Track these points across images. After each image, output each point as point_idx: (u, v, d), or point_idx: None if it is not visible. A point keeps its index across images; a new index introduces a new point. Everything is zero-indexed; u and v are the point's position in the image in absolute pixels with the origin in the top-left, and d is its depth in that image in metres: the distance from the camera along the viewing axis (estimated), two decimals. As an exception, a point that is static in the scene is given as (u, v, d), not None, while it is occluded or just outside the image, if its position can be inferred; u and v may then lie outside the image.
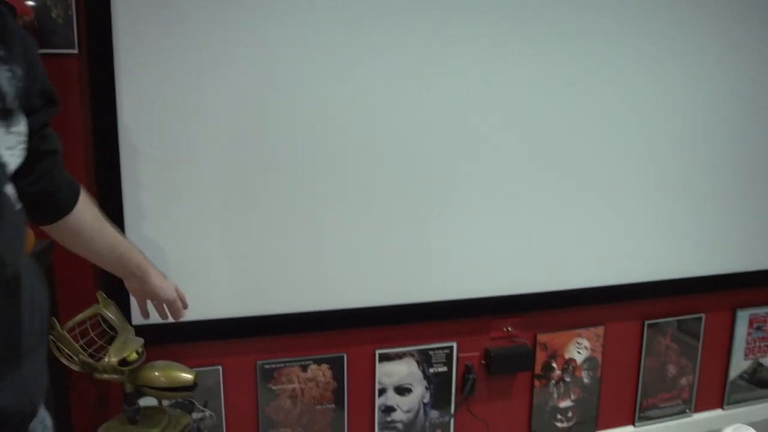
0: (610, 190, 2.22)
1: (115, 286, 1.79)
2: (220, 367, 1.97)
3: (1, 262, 0.77)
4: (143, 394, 1.69)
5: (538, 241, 2.17)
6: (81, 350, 1.57)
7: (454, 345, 2.19)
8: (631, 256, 2.32)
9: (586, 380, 2.40)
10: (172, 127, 1.78)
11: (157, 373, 1.64)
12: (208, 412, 1.98)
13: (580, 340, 2.37)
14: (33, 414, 0.81)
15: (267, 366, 2.00)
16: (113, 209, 1.75)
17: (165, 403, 1.88)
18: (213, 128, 1.81)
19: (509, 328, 2.25)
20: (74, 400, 1.87)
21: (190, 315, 1.88)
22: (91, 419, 1.90)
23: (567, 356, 2.36)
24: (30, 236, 1.53)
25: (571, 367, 2.37)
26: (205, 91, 1.78)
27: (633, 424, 2.52)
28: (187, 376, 1.64)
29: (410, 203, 2.00)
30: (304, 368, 2.04)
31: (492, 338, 2.25)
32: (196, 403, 1.94)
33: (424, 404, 2.19)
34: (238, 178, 1.84)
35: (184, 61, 1.75)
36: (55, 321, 1.57)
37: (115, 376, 1.61)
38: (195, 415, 1.96)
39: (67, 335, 1.56)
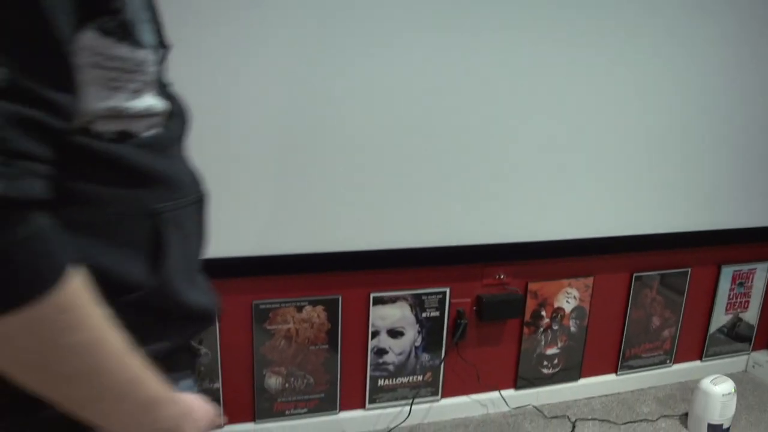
0: (603, 145, 2.22)
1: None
2: (216, 306, 1.98)
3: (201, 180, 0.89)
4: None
5: (533, 191, 2.17)
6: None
7: (447, 290, 2.21)
8: (622, 210, 2.34)
9: (573, 329, 2.46)
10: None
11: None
12: (203, 350, 2.01)
13: (569, 289, 2.41)
14: (219, 315, 0.92)
15: (262, 306, 2.02)
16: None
17: (161, 339, 1.89)
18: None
19: (501, 276, 2.28)
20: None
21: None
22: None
23: (556, 305, 2.40)
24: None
25: (559, 316, 2.42)
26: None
27: (615, 372, 2.59)
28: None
29: (409, 150, 1.98)
30: (299, 309, 2.06)
31: (484, 285, 2.28)
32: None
33: (416, 347, 2.24)
34: (248, 119, 1.81)
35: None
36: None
37: (113, 312, 1.61)
38: (190, 352, 1.98)
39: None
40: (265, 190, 1.89)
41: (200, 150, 1.85)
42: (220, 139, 1.81)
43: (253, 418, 2.14)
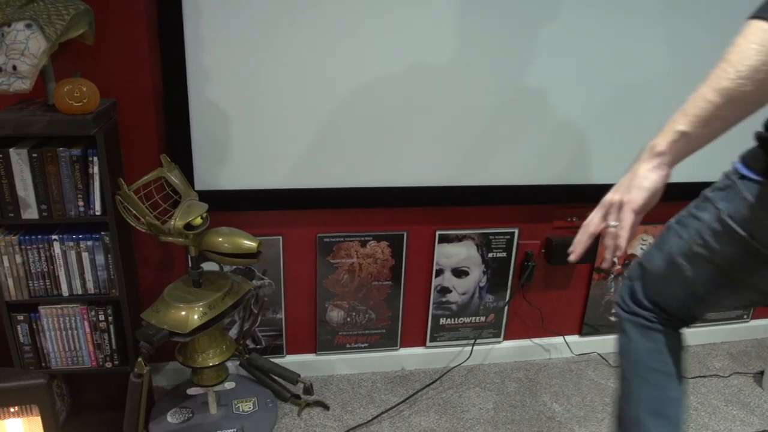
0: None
1: (180, 150, 1.76)
2: (281, 238, 1.96)
3: None
4: (206, 259, 1.70)
5: (614, 134, 2.03)
6: (148, 212, 1.56)
7: (516, 231, 2.13)
8: (709, 154, 2.16)
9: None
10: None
11: (221, 239, 1.63)
12: (267, 280, 2.00)
13: (644, 236, 2.28)
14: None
15: (327, 239, 1.99)
16: (176, 72, 1.67)
17: (227, 268, 1.90)
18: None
19: (573, 219, 2.18)
20: (139, 261, 1.90)
21: (253, 183, 1.85)
22: (155, 279, 1.93)
23: (629, 251, 2.29)
24: (94, 92, 1.47)
25: (631, 263, 2.30)
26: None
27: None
28: (251, 243, 1.63)
29: (483, 87, 1.86)
30: (363, 244, 2.02)
31: (555, 227, 2.18)
32: (256, 271, 1.95)
33: (480, 288, 2.18)
34: (310, 53, 1.73)
35: None
36: (122, 181, 1.55)
37: (180, 240, 1.61)
38: (254, 283, 1.98)
39: (134, 196, 1.55)
40: (332, 123, 1.82)
41: (267, 71, 1.81)
42: (289, 70, 1.74)
43: (314, 349, 2.15)
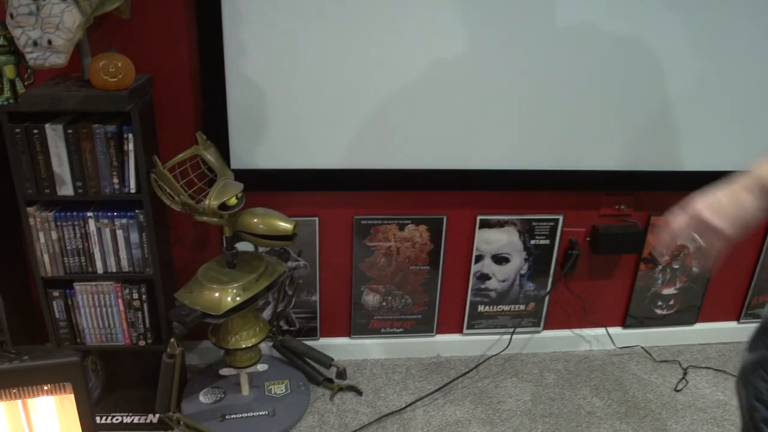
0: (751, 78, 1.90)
1: (216, 128, 1.72)
2: (317, 219, 1.91)
3: None
4: (241, 239, 1.66)
5: (668, 117, 1.91)
6: (182, 190, 1.52)
7: (560, 218, 2.04)
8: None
9: (695, 269, 2.23)
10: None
11: (256, 220, 1.60)
12: (302, 262, 1.97)
13: (697, 226, 2.16)
14: None
15: (364, 221, 1.93)
16: (213, 47, 1.62)
17: (262, 250, 1.87)
18: None
19: (622, 206, 2.07)
20: (174, 240, 1.88)
21: (290, 163, 1.81)
22: (190, 258, 1.92)
23: (680, 242, 2.17)
24: (129, 68, 1.43)
25: (681, 255, 2.20)
26: None
27: (737, 320, 2.36)
28: (286, 225, 1.59)
29: (529, 68, 1.77)
30: (402, 227, 1.96)
31: (601, 215, 2.08)
32: (291, 252, 1.91)
33: (521, 275, 2.10)
34: (353, 28, 1.66)
35: None
36: (157, 159, 1.52)
37: (214, 219, 1.58)
38: (289, 264, 1.94)
39: (168, 174, 1.51)
40: (373, 103, 1.75)
41: (306, 52, 1.75)
42: (327, 50, 1.68)
43: (348, 333, 2.11)
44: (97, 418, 1.78)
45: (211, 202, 1.52)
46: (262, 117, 1.74)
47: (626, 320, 2.27)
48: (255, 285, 1.64)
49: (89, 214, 1.56)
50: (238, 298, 1.59)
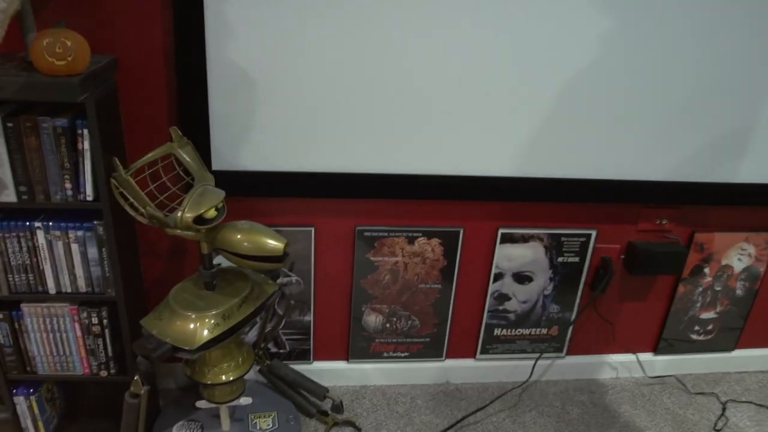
0: None
1: (194, 122, 1.44)
2: (313, 229, 1.64)
3: None
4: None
5: (717, 122, 1.63)
6: (148, 201, 1.25)
7: (593, 233, 1.78)
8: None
9: (739, 292, 1.97)
10: None
11: (239, 236, 1.32)
12: (294, 278, 1.70)
13: (745, 245, 1.90)
14: None
15: (367, 233, 1.67)
16: (192, 24, 1.34)
17: (247, 265, 1.59)
18: None
19: (663, 221, 1.81)
20: (144, 250, 1.61)
21: (282, 166, 1.53)
22: (163, 273, 1.65)
23: (724, 262, 1.91)
24: (82, 48, 1.15)
25: (725, 275, 1.94)
26: None
27: (781, 345, 2.12)
28: (276, 243, 1.32)
29: (558, 65, 1.49)
30: (411, 240, 1.69)
31: (639, 230, 1.81)
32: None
33: (545, 296, 1.85)
34: (356, 10, 1.38)
35: None
36: (117, 162, 1.24)
37: (189, 233, 1.30)
38: (280, 280, 1.68)
39: (131, 181, 1.24)
40: (379, 95, 1.48)
41: (301, 39, 1.47)
42: (326, 39, 1.39)
43: (346, 356, 1.86)
44: (51, 457, 1.53)
45: (185, 214, 1.25)
46: (251, 109, 1.46)
47: (658, 345, 2.01)
48: (237, 312, 1.38)
49: (37, 224, 1.29)
50: (216, 330, 1.32)
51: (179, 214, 1.25)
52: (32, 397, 1.49)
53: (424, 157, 1.57)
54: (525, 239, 1.75)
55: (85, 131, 1.21)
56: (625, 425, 1.81)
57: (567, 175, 1.66)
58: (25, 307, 1.38)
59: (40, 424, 1.54)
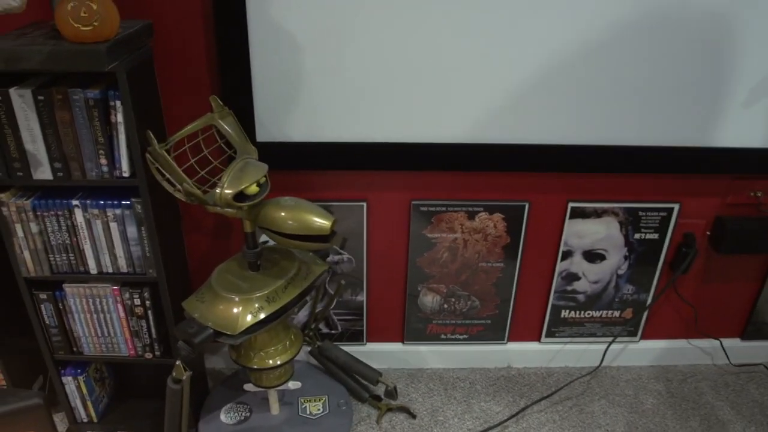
0: None
1: (236, 90, 1.34)
2: (365, 204, 1.53)
3: None
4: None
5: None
6: (185, 177, 1.16)
7: (675, 207, 1.59)
8: None
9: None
10: None
11: (283, 214, 1.22)
12: (346, 255, 1.60)
13: None
14: None
15: (423, 208, 1.54)
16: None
17: (295, 243, 1.49)
18: None
19: (758, 194, 1.60)
20: (188, 228, 1.54)
21: (330, 136, 1.42)
22: (209, 252, 1.58)
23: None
24: (109, 11, 1.05)
25: (828, 252, 1.72)
26: None
27: None
28: (322, 222, 1.21)
29: (636, 19, 1.30)
30: (471, 216, 1.56)
31: (729, 204, 1.61)
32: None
33: (618, 276, 1.68)
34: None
35: None
36: (151, 135, 1.15)
37: (230, 211, 1.21)
38: (331, 258, 1.59)
39: (167, 155, 1.15)
40: (437, 59, 1.33)
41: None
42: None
43: (401, 338, 1.76)
44: (101, 438, 1.51)
45: (224, 191, 1.16)
46: (297, 76, 1.34)
47: (746, 330, 1.82)
48: (283, 294, 1.29)
49: (75, 202, 1.23)
50: (260, 314, 1.24)
51: (218, 190, 1.16)
52: (80, 378, 1.46)
53: (487, 123, 1.42)
54: (598, 214, 1.58)
55: (118, 103, 1.13)
56: (706, 418, 1.65)
57: (647, 142, 1.48)
58: (68, 288, 1.33)
59: (89, 404, 1.51)
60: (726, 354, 1.83)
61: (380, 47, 1.31)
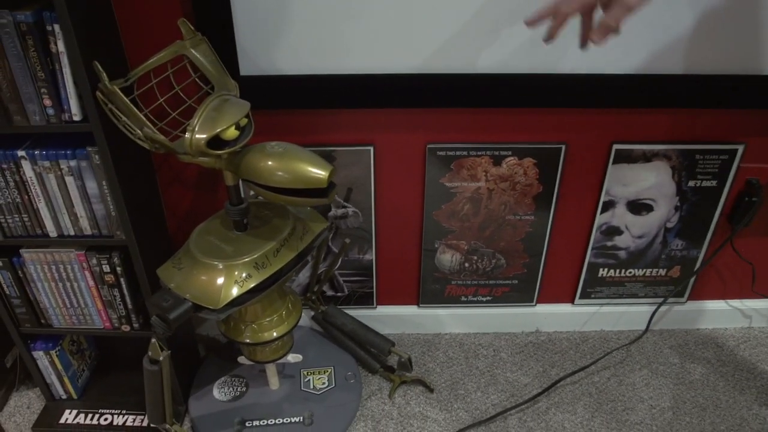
0: None
1: (212, 11, 1.11)
2: (372, 148, 1.31)
3: None
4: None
5: None
6: (145, 121, 0.94)
7: (739, 149, 1.35)
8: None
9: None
10: None
11: (270, 163, 1.00)
12: (351, 209, 1.39)
13: None
14: None
15: (441, 152, 1.32)
16: None
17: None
18: None
19: (838, 131, 1.35)
20: (164, 181, 1.33)
21: (330, 66, 1.18)
22: (190, 206, 1.37)
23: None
24: None
25: None
26: None
27: None
28: (317, 172, 0.99)
29: None
30: (497, 161, 1.33)
31: (803, 143, 1.37)
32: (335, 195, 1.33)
33: (666, 230, 1.46)
34: None
35: None
36: (99, 67, 0.93)
37: (204, 160, 1.00)
38: (333, 212, 1.38)
39: (119, 93, 0.93)
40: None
41: None
42: None
43: (416, 301, 1.56)
44: (81, 417, 1.34)
45: (195, 136, 0.94)
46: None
47: (809, 288, 1.60)
48: (275, 259, 1.08)
49: (21, 153, 1.02)
50: (247, 283, 1.04)
51: (188, 135, 0.94)
52: (53, 352, 1.29)
53: (516, 50, 1.17)
54: (647, 157, 1.35)
55: (56, 27, 0.90)
56: (764, 390, 1.45)
57: (704, 70, 1.22)
58: (26, 253, 1.14)
59: (66, 380, 1.35)
60: (785, 315, 1.62)
61: (386, -45, 1.06)
